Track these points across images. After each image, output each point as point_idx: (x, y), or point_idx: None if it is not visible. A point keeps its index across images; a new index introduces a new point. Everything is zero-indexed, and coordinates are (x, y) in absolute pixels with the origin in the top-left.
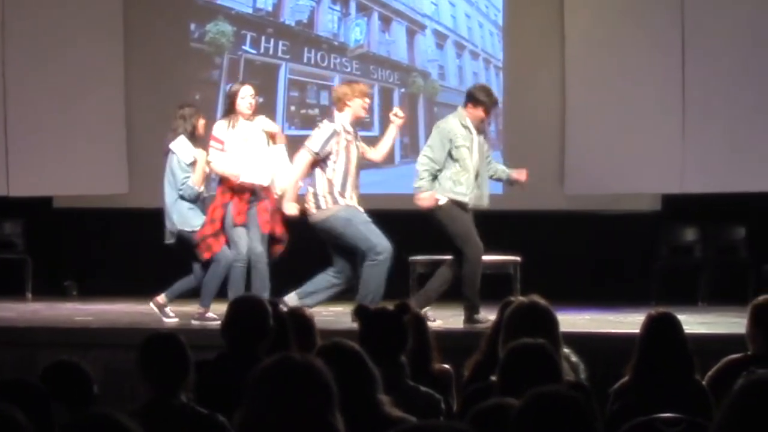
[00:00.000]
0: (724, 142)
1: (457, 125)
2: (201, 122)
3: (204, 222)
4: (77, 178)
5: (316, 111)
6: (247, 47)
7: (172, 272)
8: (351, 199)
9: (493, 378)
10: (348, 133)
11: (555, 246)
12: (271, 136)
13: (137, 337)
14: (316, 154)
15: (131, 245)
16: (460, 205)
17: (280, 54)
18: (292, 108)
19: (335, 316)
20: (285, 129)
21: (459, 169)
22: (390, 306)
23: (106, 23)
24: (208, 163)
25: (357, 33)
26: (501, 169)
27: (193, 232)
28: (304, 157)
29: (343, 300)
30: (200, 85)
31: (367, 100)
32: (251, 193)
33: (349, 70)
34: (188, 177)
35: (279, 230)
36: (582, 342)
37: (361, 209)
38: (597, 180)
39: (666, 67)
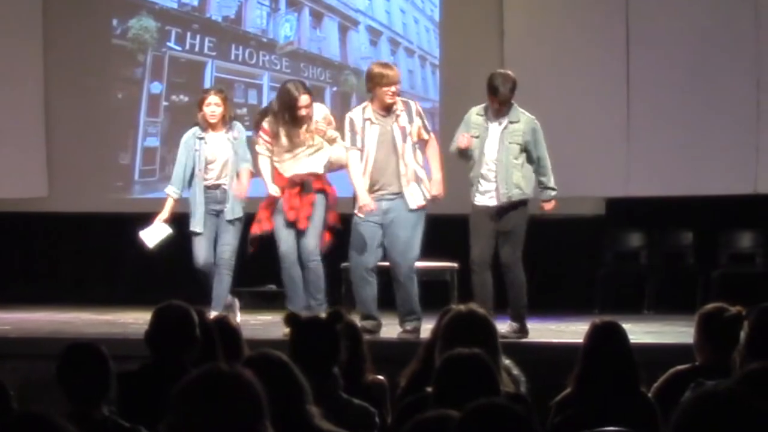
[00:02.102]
0: (671, 144)
1: (472, 114)
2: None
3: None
4: None
5: (244, 110)
6: (171, 44)
7: (95, 278)
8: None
9: (429, 389)
10: (369, 120)
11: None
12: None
13: (57, 347)
14: (353, 147)
15: (51, 251)
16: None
17: (206, 51)
18: None
19: (263, 325)
20: None
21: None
22: (322, 314)
23: (24, 19)
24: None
25: (287, 29)
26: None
27: None
28: (348, 156)
29: (272, 308)
30: (123, 84)
31: (393, 89)
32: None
33: (278, 67)
34: None
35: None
36: (523, 352)
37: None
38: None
39: (610, 66)
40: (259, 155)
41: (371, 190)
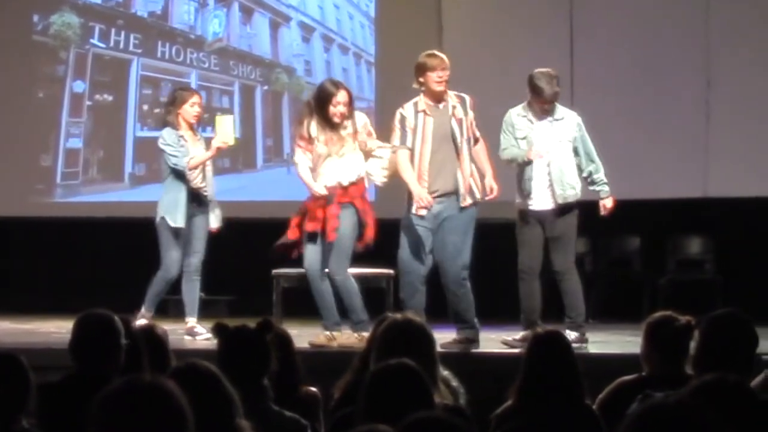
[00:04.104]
0: (615, 146)
1: (512, 115)
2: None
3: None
4: None
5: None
6: (95, 40)
7: (15, 285)
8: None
9: None
10: (424, 113)
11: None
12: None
13: None
14: (400, 146)
15: None
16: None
17: (131, 48)
18: (145, 107)
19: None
20: (137, 130)
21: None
22: (252, 323)
23: None
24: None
25: (215, 25)
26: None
27: None
28: (398, 156)
29: (201, 317)
30: (44, 82)
31: (440, 75)
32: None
33: (207, 65)
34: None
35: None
36: (462, 363)
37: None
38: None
39: (553, 62)
40: (298, 165)
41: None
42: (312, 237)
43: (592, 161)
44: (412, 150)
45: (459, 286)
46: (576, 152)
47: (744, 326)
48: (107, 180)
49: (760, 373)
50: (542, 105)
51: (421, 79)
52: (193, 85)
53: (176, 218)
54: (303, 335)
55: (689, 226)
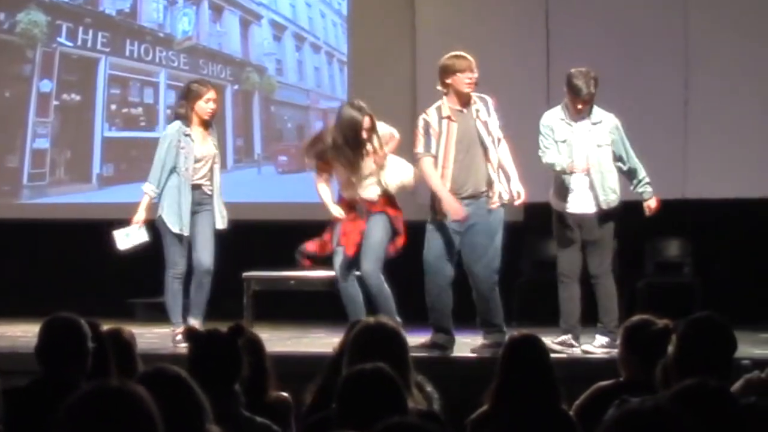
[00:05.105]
0: None
1: (551, 118)
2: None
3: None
4: None
5: (140, 110)
6: (62, 39)
7: None
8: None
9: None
10: (449, 119)
11: (406, 259)
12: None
13: None
14: (424, 153)
15: None
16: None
17: (99, 47)
18: (113, 107)
19: (160, 338)
20: (105, 130)
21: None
22: (222, 327)
23: None
24: None
25: (185, 23)
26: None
27: None
28: (423, 164)
29: (169, 321)
30: (10, 81)
31: (470, 77)
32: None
33: (176, 64)
34: None
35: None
36: (436, 367)
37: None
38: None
39: (529, 62)
40: (318, 185)
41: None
42: (340, 246)
43: (633, 163)
44: (435, 156)
45: (489, 289)
46: (615, 155)
47: (722, 330)
48: (75, 181)
49: (737, 377)
50: (578, 105)
51: (448, 81)
52: (162, 85)
53: (177, 223)
54: (273, 339)
55: (667, 229)
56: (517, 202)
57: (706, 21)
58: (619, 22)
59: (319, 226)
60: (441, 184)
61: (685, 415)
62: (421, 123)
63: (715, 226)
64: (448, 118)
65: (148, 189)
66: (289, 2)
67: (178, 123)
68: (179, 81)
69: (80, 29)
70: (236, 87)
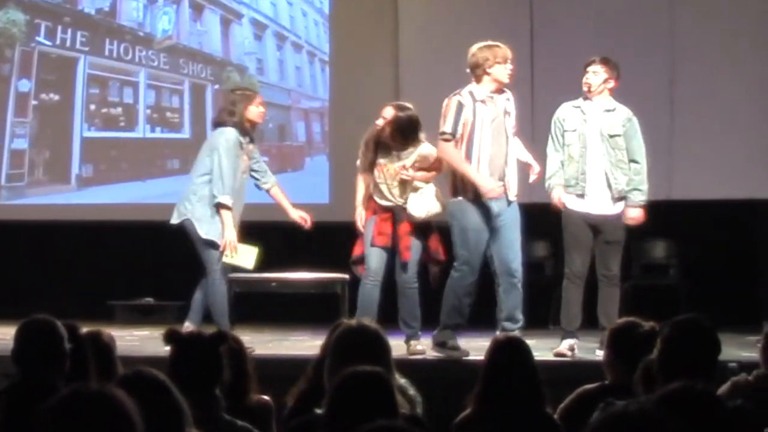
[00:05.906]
0: None
1: (564, 110)
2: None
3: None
4: None
5: (119, 110)
6: (41, 38)
7: None
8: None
9: (319, 411)
10: (483, 103)
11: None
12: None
13: None
14: (451, 134)
15: None
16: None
17: (78, 46)
18: (92, 107)
19: (140, 340)
20: (84, 130)
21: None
22: (205, 331)
23: None
24: None
25: (165, 22)
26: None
27: None
28: (443, 147)
29: (149, 323)
30: None
31: (511, 67)
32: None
33: (156, 63)
34: None
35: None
36: (419, 370)
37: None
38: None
39: (513, 60)
40: (357, 188)
41: None
42: (374, 244)
43: (636, 163)
44: (465, 140)
45: (512, 280)
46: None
47: (706, 332)
48: (53, 182)
49: (724, 380)
50: (615, 87)
51: (490, 71)
52: (142, 84)
53: (212, 231)
54: (255, 342)
55: (653, 230)
56: (534, 178)
57: (691, 18)
58: (604, 18)
59: (297, 227)
60: (464, 162)
61: (670, 418)
62: (454, 102)
63: (701, 228)
64: (483, 102)
65: (227, 200)
66: (270, 1)
67: (233, 131)
68: (159, 81)
69: (59, 28)
70: (217, 87)
